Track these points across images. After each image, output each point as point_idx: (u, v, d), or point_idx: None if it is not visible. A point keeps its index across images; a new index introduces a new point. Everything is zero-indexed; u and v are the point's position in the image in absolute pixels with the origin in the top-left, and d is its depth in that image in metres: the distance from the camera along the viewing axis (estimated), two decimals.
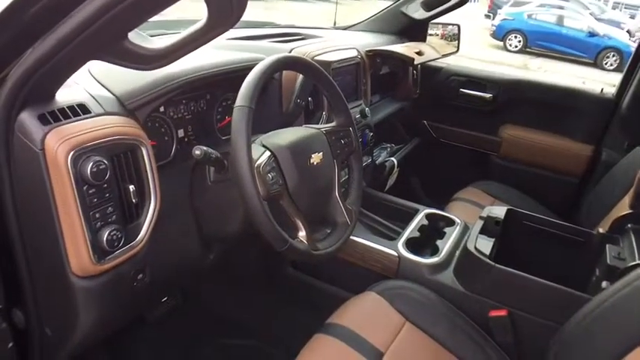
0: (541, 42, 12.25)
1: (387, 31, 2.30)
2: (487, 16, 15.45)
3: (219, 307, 1.76)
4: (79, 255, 0.89)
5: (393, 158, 2.00)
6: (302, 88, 1.38)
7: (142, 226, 0.99)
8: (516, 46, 12.48)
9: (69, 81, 0.91)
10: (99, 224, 0.90)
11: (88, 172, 0.86)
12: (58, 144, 0.84)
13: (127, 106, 0.99)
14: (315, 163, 1.09)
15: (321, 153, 1.11)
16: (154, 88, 1.03)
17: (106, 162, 0.89)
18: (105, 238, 0.90)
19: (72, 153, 0.85)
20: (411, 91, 2.25)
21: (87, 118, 0.91)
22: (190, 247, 1.21)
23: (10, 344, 1.04)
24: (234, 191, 1.01)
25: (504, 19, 12.82)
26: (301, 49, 1.54)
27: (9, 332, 1.00)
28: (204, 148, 1.00)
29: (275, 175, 1.00)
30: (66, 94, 0.93)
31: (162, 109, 1.15)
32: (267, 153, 1.02)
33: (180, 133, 1.21)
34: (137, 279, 1.01)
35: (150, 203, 0.99)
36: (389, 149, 2.09)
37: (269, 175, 0.99)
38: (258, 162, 0.99)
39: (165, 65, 0.86)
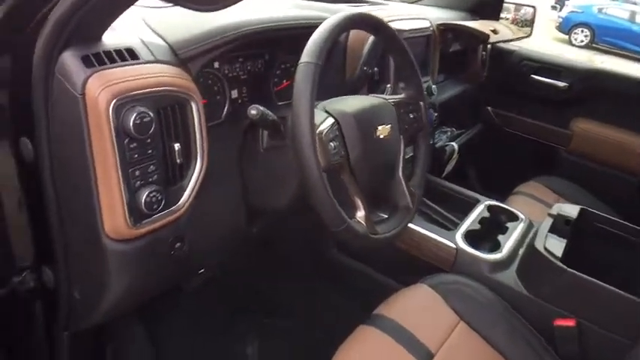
0: (610, 38, 11.54)
1: (457, 6, 2.13)
2: (554, 8, 14.68)
3: (257, 283, 1.68)
4: (113, 216, 0.81)
5: (453, 143, 1.86)
6: (370, 53, 1.26)
7: (185, 190, 0.90)
8: (582, 41, 11.83)
9: (119, 27, 0.82)
10: (138, 183, 0.82)
11: (131, 123, 0.77)
12: (101, 89, 0.76)
13: (180, 55, 0.90)
14: (381, 137, 0.97)
15: (389, 126, 1.00)
16: (210, 38, 0.94)
17: (151, 114, 0.80)
18: (143, 200, 0.82)
19: (115, 100, 0.76)
20: (479, 74, 2.10)
21: (135, 64, 0.82)
22: (234, 217, 1.12)
23: (38, 303, 0.99)
24: (289, 160, 0.92)
25: (572, 12, 12.16)
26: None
27: (38, 290, 0.94)
28: (262, 108, 0.90)
29: (337, 145, 0.90)
30: (114, 38, 0.84)
31: (216, 64, 1.05)
32: (330, 119, 0.91)
33: (234, 93, 1.11)
34: (175, 247, 0.93)
35: (195, 165, 0.91)
36: (449, 133, 1.95)
37: (331, 144, 0.88)
38: (320, 128, 0.88)
39: (234, 3, 0.75)
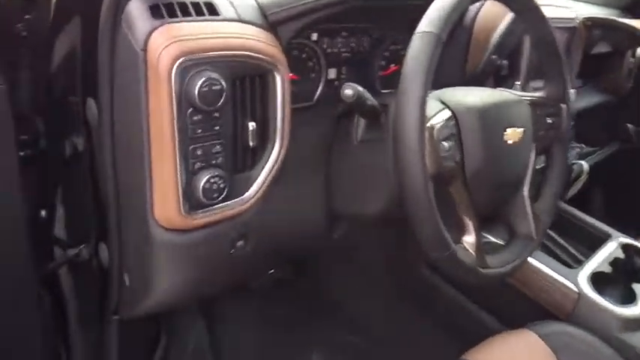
0: None
1: (607, 3, 1.81)
2: None
3: (332, 291, 1.50)
4: (165, 200, 0.68)
5: (583, 162, 1.56)
6: (504, 39, 1.02)
7: (255, 180, 0.75)
8: None
9: None
10: (198, 165, 0.67)
11: (196, 90, 0.63)
12: (165, 45, 0.62)
13: (269, 17, 0.74)
14: (509, 142, 0.76)
15: (521, 130, 0.78)
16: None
17: (223, 82, 0.65)
18: (202, 185, 0.67)
19: (180, 60, 0.62)
20: (622, 84, 1.76)
21: (213, 20, 0.68)
22: (313, 218, 0.95)
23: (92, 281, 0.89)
24: (387, 157, 0.73)
25: None
26: None
27: (93, 266, 0.85)
28: (359, 88, 0.71)
29: (451, 147, 0.69)
30: None
31: (314, 36, 0.88)
32: (447, 112, 0.71)
33: (332, 73, 0.93)
34: (236, 246, 0.78)
35: (272, 151, 0.75)
36: (579, 150, 1.65)
37: (444, 144, 0.68)
38: (432, 122, 0.68)
39: None
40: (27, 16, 0.82)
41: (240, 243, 0.79)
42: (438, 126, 0.68)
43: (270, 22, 0.74)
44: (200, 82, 0.63)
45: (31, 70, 0.86)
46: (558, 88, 0.87)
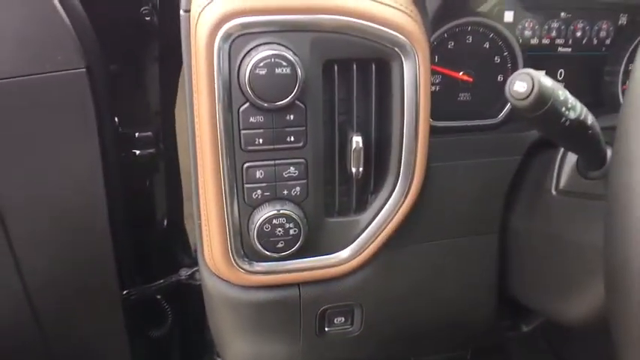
0: None
1: None
2: None
3: None
4: (211, 239, 0.45)
5: None
6: None
7: (361, 231, 0.47)
8: None
9: None
10: (258, 194, 0.43)
11: (247, 74, 0.39)
12: (207, 2, 0.39)
13: None
14: None
15: None
16: None
17: (293, 63, 0.39)
18: (257, 226, 0.42)
19: (227, 26, 0.39)
20: None
21: None
22: (471, 298, 0.61)
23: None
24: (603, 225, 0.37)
25: None
26: None
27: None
28: (546, 80, 0.37)
29: None
30: None
31: (509, 16, 0.56)
32: None
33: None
34: (333, 322, 0.51)
35: (395, 186, 0.46)
36: None
37: None
38: None
39: None
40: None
41: (341, 320, 0.52)
42: None
43: None
44: (255, 61, 0.38)
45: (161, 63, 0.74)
46: None
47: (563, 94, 0.38)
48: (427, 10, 0.46)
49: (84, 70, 0.53)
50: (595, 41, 0.60)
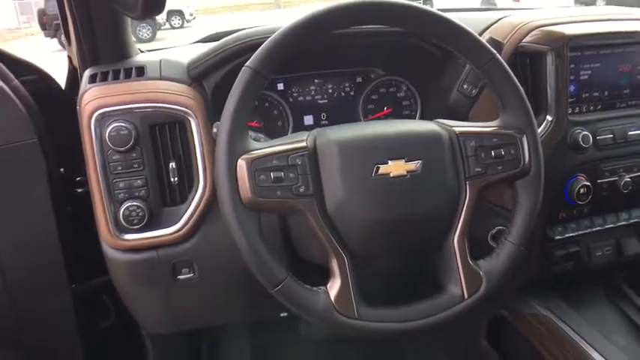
0: None
1: None
2: None
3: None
4: (100, 222, 0.84)
5: None
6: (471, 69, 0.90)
7: (183, 214, 0.85)
8: None
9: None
10: (122, 195, 0.82)
11: (107, 135, 0.79)
12: (86, 102, 0.81)
13: (190, 72, 0.87)
14: (391, 175, 0.68)
15: (415, 163, 0.70)
16: (218, 49, 0.87)
17: (129, 128, 0.80)
18: (122, 212, 0.82)
19: (96, 114, 0.80)
20: None
21: (135, 80, 0.84)
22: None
23: None
24: None
25: None
26: (517, 18, 0.98)
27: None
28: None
29: (296, 178, 0.67)
30: (147, 57, 0.89)
31: (280, 86, 0.97)
32: (300, 144, 0.69)
33: (308, 120, 0.99)
34: (181, 272, 0.89)
35: (197, 188, 0.85)
36: None
37: (276, 174, 0.66)
38: (273, 149, 0.68)
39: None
40: None
41: (185, 270, 0.89)
42: (284, 156, 0.68)
43: (191, 77, 0.87)
44: (109, 129, 0.79)
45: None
46: (514, 115, 0.75)
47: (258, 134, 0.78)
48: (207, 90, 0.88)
49: (36, 139, 0.95)
50: (342, 94, 1.01)
